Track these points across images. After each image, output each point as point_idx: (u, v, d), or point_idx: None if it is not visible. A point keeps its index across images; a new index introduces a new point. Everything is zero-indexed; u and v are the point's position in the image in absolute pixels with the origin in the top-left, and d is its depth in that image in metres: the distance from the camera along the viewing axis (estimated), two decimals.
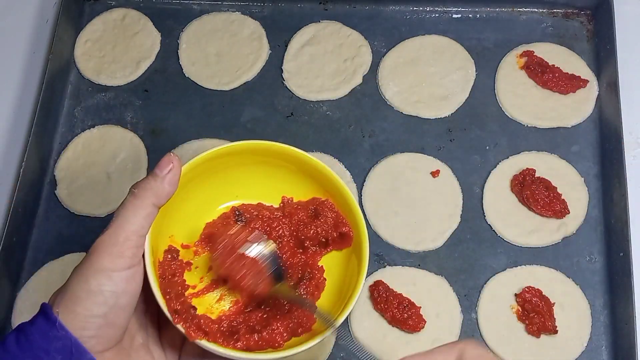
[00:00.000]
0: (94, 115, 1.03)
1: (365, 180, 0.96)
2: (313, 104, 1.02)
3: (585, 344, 0.87)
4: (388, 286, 0.89)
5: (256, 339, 0.72)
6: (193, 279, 0.77)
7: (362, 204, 0.95)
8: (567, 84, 0.99)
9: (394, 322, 0.88)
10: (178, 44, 1.06)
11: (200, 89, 1.03)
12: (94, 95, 1.04)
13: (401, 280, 0.91)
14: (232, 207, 0.81)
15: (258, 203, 0.82)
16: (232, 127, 1.00)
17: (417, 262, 0.92)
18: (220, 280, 0.77)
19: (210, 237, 0.79)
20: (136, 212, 0.66)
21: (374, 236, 0.93)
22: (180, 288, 0.72)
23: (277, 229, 0.80)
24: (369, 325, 0.89)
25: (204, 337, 0.68)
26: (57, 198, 0.97)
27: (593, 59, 1.02)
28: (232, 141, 0.99)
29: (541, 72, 1.00)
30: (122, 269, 0.64)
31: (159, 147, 1.00)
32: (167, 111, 1.02)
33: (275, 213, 0.81)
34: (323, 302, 0.77)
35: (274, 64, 1.04)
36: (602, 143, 0.97)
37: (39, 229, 0.97)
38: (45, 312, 0.62)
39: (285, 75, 1.03)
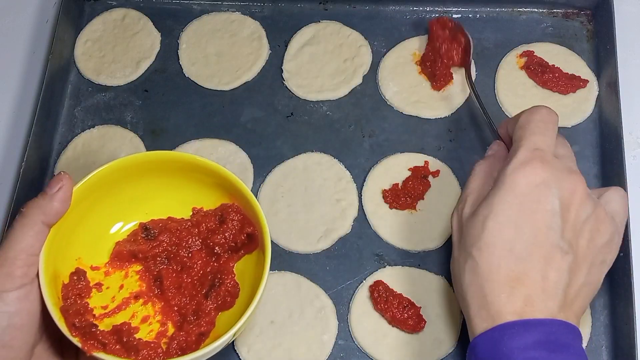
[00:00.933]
0: (94, 115, 1.03)
1: (365, 180, 0.96)
2: (313, 104, 1.02)
3: (585, 344, 0.87)
4: (388, 286, 0.89)
5: (159, 352, 0.73)
6: (105, 299, 0.77)
7: (362, 204, 0.95)
8: (567, 84, 0.99)
9: (394, 322, 0.88)
10: (178, 44, 1.06)
11: (200, 89, 1.03)
12: (94, 95, 1.04)
13: (401, 280, 0.91)
14: (140, 223, 0.82)
15: (168, 217, 0.83)
16: (232, 127, 1.01)
17: (417, 262, 0.92)
18: (132, 297, 0.79)
19: (119, 256, 0.80)
20: (24, 231, 0.65)
21: (374, 236, 0.93)
22: (81, 308, 0.72)
23: (186, 239, 0.81)
24: (368, 325, 0.89)
25: (101, 349, 0.68)
26: None
27: (593, 59, 1.02)
28: (233, 142, 1.00)
29: (541, 72, 1.00)
30: (12, 288, 0.63)
31: (159, 147, 1.00)
32: (167, 111, 1.02)
33: (185, 224, 0.82)
34: (239, 307, 0.77)
35: (274, 64, 1.04)
36: (602, 143, 0.97)
37: None
38: None
39: (285, 75, 1.03)
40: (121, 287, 0.80)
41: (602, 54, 1.01)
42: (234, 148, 0.99)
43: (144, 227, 0.82)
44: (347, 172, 0.97)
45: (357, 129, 1.00)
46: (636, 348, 0.83)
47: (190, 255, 0.81)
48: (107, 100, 1.04)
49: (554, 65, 1.00)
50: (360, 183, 0.97)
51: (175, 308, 0.79)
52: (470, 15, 1.06)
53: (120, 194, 0.80)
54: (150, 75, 1.05)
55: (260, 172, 0.97)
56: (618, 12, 1.00)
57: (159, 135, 1.01)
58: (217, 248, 0.80)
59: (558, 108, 0.98)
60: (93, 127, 1.02)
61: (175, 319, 0.79)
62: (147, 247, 0.81)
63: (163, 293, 0.80)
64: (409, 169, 0.96)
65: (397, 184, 0.95)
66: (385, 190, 0.95)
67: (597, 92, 1.00)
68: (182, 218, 0.83)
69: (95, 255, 0.80)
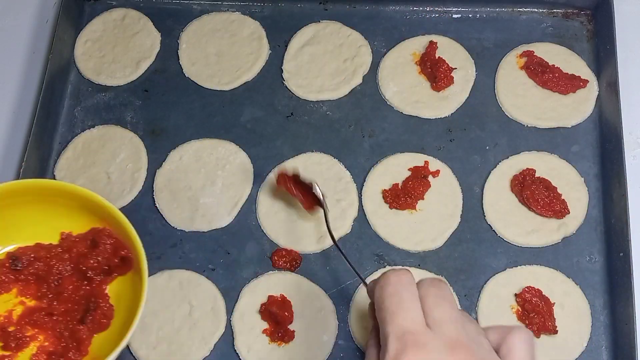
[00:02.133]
0: (94, 115, 1.03)
1: (365, 180, 0.96)
2: (313, 104, 1.02)
3: (585, 344, 0.87)
4: None
5: None
6: None
7: (362, 204, 0.95)
8: (567, 84, 0.99)
9: None
10: (178, 44, 1.06)
11: (200, 89, 1.03)
12: (94, 95, 1.04)
13: None
14: (7, 252, 0.81)
15: (36, 244, 0.82)
16: (232, 127, 1.01)
17: (417, 262, 0.92)
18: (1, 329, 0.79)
19: None
20: None
21: (374, 236, 0.93)
22: None
23: (57, 265, 0.81)
24: (369, 326, 0.89)
25: None
26: None
27: (593, 59, 1.02)
28: (233, 142, 1.00)
29: (541, 72, 1.00)
30: None
31: (159, 147, 1.00)
32: (167, 111, 1.02)
33: (54, 250, 0.81)
34: (115, 328, 0.78)
35: (274, 64, 1.04)
36: (602, 143, 0.97)
37: None
38: None
39: (285, 75, 1.03)
40: None
41: (602, 54, 1.01)
42: (234, 148, 0.99)
43: (12, 257, 0.81)
44: (347, 172, 0.97)
45: (357, 129, 1.00)
46: (636, 348, 0.83)
47: (60, 282, 0.81)
48: (107, 100, 1.04)
49: (554, 65, 1.00)
50: (360, 183, 0.97)
51: (51, 334, 0.79)
52: (470, 15, 1.06)
53: None
54: (150, 75, 1.05)
55: (260, 172, 0.97)
56: (618, 12, 1.00)
57: (159, 135, 1.01)
58: (89, 272, 0.80)
59: (558, 108, 0.99)
60: (93, 127, 1.02)
61: (54, 347, 0.79)
62: (14, 277, 0.81)
63: (36, 323, 0.80)
64: (409, 169, 0.96)
65: (397, 184, 0.95)
66: (385, 190, 0.95)
67: (597, 92, 1.00)
68: (51, 244, 0.83)
69: None
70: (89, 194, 0.79)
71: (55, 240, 0.83)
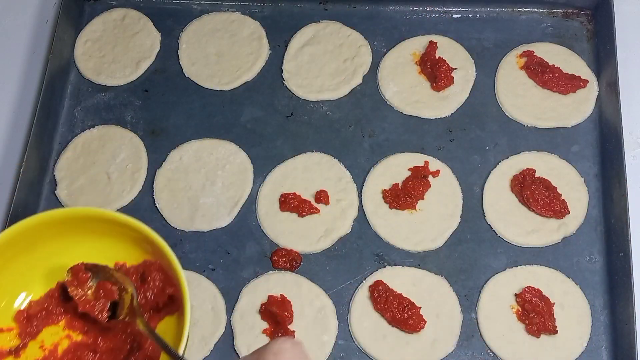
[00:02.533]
0: (94, 115, 1.03)
1: (365, 180, 0.96)
2: (313, 104, 1.02)
3: (585, 344, 0.87)
4: (388, 286, 0.89)
5: None
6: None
7: (362, 204, 0.95)
8: (567, 84, 0.99)
9: (394, 322, 0.88)
10: (178, 44, 1.06)
11: (200, 89, 1.03)
12: (94, 95, 1.04)
13: (401, 280, 0.91)
14: (58, 282, 0.81)
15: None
16: (232, 127, 1.01)
17: (417, 262, 0.92)
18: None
19: (30, 318, 0.79)
20: None
21: (374, 236, 0.93)
22: None
23: None
24: (369, 325, 0.89)
25: None
26: (57, 198, 0.97)
27: (593, 59, 1.02)
28: (233, 142, 1.00)
29: (541, 72, 1.00)
30: None
31: (159, 147, 1.00)
32: (167, 111, 1.02)
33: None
34: None
35: (274, 64, 1.04)
36: (602, 143, 0.97)
37: None
38: None
39: (285, 75, 1.03)
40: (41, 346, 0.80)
41: (602, 54, 1.01)
42: (234, 148, 0.99)
43: (63, 286, 0.80)
44: (347, 172, 0.97)
45: (357, 129, 1.00)
46: (636, 348, 0.83)
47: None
48: (107, 100, 1.04)
49: (554, 65, 1.00)
50: (360, 183, 0.97)
51: None
52: (470, 15, 1.06)
53: (37, 251, 0.79)
54: (150, 75, 1.05)
55: (260, 172, 0.97)
56: (618, 12, 1.00)
57: (159, 135, 1.01)
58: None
59: (558, 108, 0.99)
60: (93, 127, 1.02)
61: None
62: (64, 309, 0.80)
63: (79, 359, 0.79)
64: (409, 169, 0.96)
65: (397, 184, 0.95)
66: (385, 190, 0.95)
67: (597, 92, 1.00)
68: None
69: (5, 313, 0.80)
70: (142, 228, 0.77)
71: None
